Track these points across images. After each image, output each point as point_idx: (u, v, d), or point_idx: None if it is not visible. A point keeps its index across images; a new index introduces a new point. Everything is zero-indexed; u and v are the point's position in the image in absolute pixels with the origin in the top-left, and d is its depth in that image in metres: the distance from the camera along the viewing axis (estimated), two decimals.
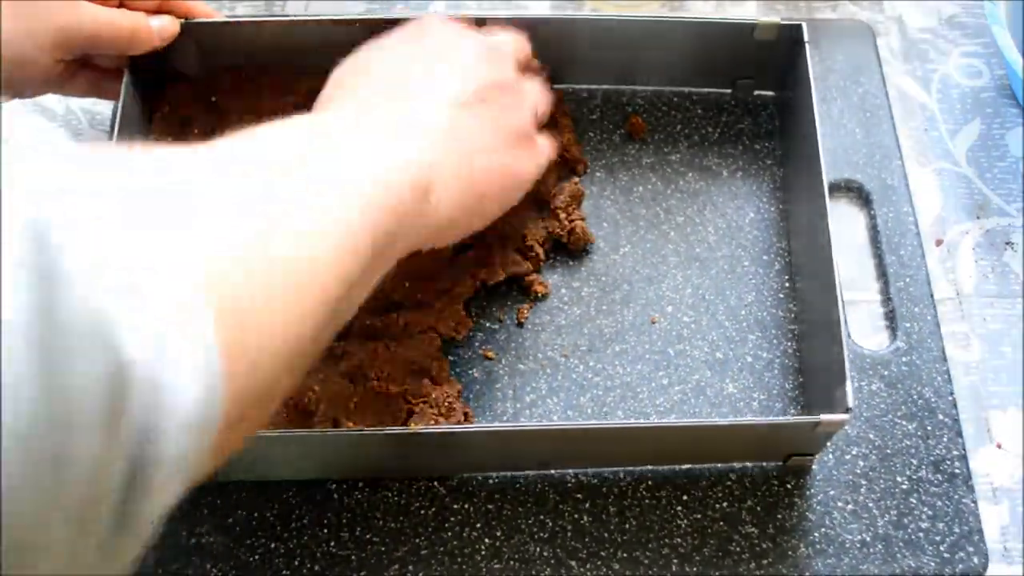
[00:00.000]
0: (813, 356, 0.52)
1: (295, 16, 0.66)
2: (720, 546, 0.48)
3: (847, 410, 0.45)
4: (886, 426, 0.52)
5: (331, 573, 0.48)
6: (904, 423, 0.52)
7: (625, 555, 0.48)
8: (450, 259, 0.55)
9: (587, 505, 0.50)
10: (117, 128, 0.53)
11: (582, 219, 0.57)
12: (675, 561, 0.48)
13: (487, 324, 0.55)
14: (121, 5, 0.52)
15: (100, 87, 0.55)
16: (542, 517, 0.49)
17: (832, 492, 0.50)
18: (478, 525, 0.49)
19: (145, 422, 0.25)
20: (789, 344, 0.54)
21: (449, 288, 0.54)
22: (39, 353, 0.22)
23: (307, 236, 0.34)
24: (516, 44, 0.51)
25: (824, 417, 0.45)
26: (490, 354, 0.54)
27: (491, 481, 0.50)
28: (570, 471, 0.50)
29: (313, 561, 0.48)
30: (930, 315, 0.55)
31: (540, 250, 0.55)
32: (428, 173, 0.41)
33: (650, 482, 0.50)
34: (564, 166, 0.59)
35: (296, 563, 0.48)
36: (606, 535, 0.49)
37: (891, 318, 0.55)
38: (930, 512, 0.49)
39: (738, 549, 0.48)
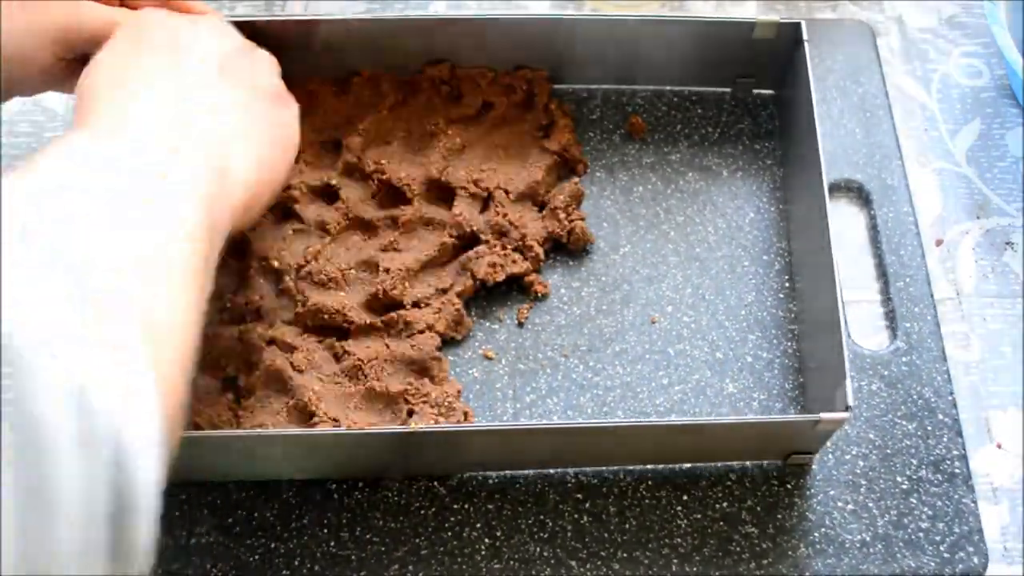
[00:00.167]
0: (813, 356, 0.52)
1: (295, 16, 0.66)
2: (720, 546, 0.48)
3: (847, 408, 0.45)
4: (886, 426, 0.52)
5: (331, 573, 0.48)
6: (904, 423, 0.52)
7: (625, 555, 0.48)
8: (450, 259, 0.56)
9: (587, 505, 0.50)
10: None
11: (582, 219, 0.57)
12: (675, 561, 0.48)
13: (487, 324, 0.55)
14: (122, 4, 0.52)
15: None
16: (542, 517, 0.49)
17: (832, 492, 0.50)
18: (478, 525, 0.49)
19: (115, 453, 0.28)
20: (789, 344, 0.54)
21: (449, 288, 0.54)
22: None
23: (164, 231, 0.37)
24: (219, 19, 0.51)
25: (824, 416, 0.45)
26: (490, 354, 0.54)
27: (491, 481, 0.50)
28: (570, 471, 0.50)
29: (313, 561, 0.48)
30: (930, 315, 0.55)
31: (540, 250, 0.55)
32: (219, 151, 0.43)
33: (650, 482, 0.50)
34: (564, 166, 0.59)
35: (296, 563, 0.48)
36: (606, 535, 0.49)
37: (891, 318, 0.55)
38: (930, 512, 0.49)
39: (738, 549, 0.48)
